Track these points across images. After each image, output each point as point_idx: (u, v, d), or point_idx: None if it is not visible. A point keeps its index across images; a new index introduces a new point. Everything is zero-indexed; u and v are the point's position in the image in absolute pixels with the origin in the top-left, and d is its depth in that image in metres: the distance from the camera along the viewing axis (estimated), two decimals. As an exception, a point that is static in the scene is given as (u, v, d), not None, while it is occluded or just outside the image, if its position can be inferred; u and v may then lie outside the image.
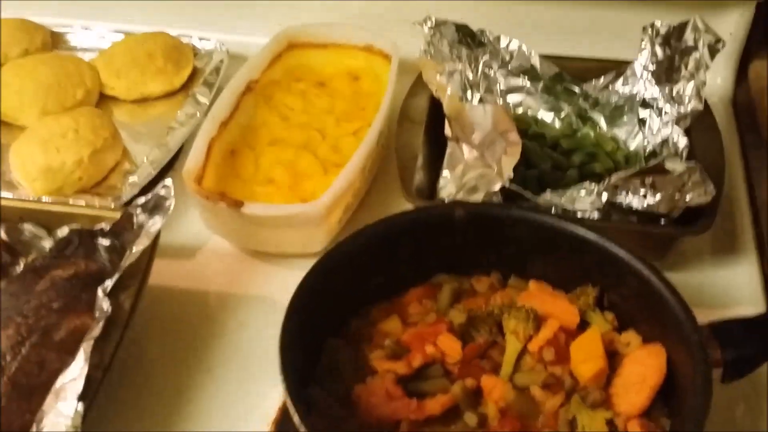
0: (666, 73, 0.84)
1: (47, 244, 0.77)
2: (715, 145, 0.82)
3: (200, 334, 0.78)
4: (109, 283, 0.68)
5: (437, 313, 0.68)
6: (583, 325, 0.66)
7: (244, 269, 0.85)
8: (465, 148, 0.80)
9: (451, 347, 0.63)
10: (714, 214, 0.75)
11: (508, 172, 0.74)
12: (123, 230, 0.75)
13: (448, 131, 0.83)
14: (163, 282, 0.82)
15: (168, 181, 0.73)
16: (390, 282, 0.69)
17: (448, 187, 0.80)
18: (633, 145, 0.89)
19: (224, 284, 0.83)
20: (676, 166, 0.69)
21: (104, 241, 0.75)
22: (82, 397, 0.61)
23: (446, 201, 0.76)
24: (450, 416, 0.61)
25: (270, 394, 0.72)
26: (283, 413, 0.70)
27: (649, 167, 0.70)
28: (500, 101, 0.92)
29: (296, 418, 0.54)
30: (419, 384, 0.63)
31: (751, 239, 0.84)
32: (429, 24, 0.90)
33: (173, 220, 0.88)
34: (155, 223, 0.72)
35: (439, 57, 0.89)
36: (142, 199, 0.74)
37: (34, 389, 0.65)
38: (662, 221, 0.76)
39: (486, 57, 0.92)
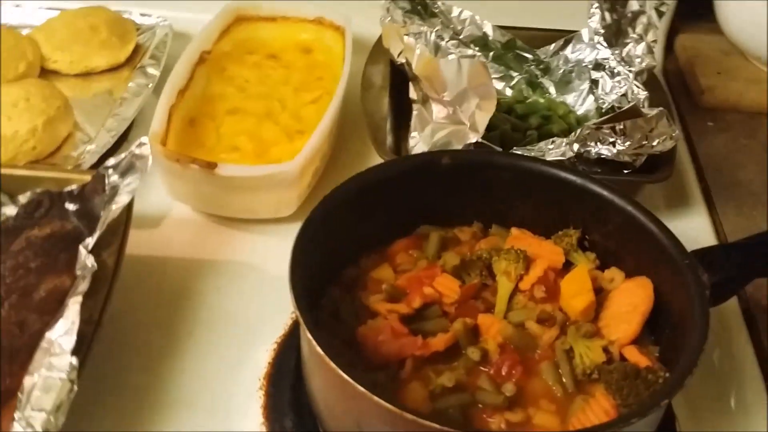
0: (615, 37, 0.89)
1: (9, 210, 0.74)
2: (663, 103, 0.86)
3: (177, 299, 0.76)
4: (90, 241, 0.66)
5: (428, 259, 0.69)
6: (567, 267, 0.68)
7: (213, 236, 0.83)
8: (434, 107, 0.82)
9: (449, 287, 0.64)
10: (672, 163, 0.80)
11: (483, 126, 0.76)
12: (93, 193, 0.72)
13: (412, 94, 0.85)
14: (132, 251, 0.79)
15: (144, 139, 0.71)
16: (378, 232, 0.70)
17: (419, 146, 0.81)
18: (582, 110, 0.93)
19: (195, 251, 0.82)
20: (647, 110, 0.73)
21: (71, 206, 0.73)
22: (75, 352, 0.59)
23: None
24: (450, 354, 0.62)
25: (256, 351, 0.71)
26: (274, 367, 0.69)
27: (624, 111, 0.73)
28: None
29: (317, 348, 0.53)
30: (420, 324, 0.63)
31: (699, 193, 0.89)
32: (385, -7, 0.91)
33: (134, 190, 0.86)
34: (132, 182, 0.70)
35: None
36: (113, 161, 0.72)
37: (17, 350, 0.62)
38: (624, 173, 0.79)
39: (438, 27, 0.95)
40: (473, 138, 0.77)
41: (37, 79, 0.90)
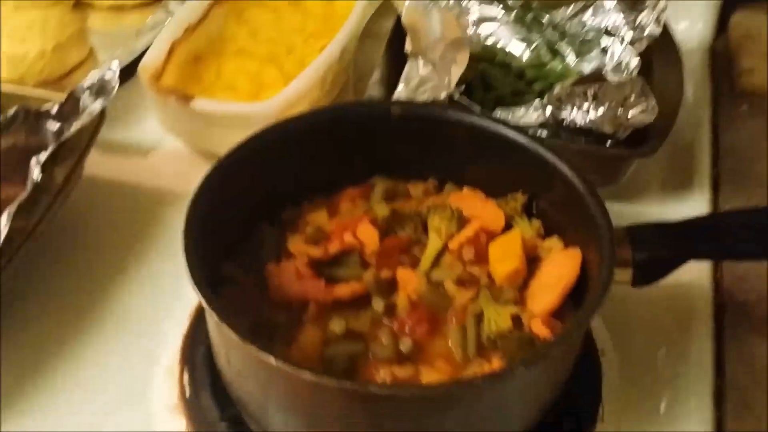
0: (632, 2, 0.83)
1: (-4, 124, 0.78)
2: (675, 75, 0.80)
3: (142, 230, 0.78)
4: (43, 155, 0.69)
5: (365, 210, 0.67)
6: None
7: (198, 171, 0.84)
8: (421, 62, 0.79)
9: (368, 236, 0.63)
10: (663, 138, 0.74)
11: (455, 80, 0.74)
12: (70, 114, 0.75)
13: (408, 47, 0.82)
14: (113, 177, 0.83)
15: (114, 64, 0.73)
16: (326, 179, 0.69)
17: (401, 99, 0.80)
18: (600, 80, 0.88)
19: (176, 184, 0.83)
20: (614, 77, 0.68)
21: (52, 125, 0.75)
22: (-2, 256, 0.62)
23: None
24: (361, 305, 0.61)
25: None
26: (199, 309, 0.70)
27: (588, 75, 0.69)
28: (472, 31, 0.92)
29: (196, 291, 0.53)
30: (334, 270, 0.62)
31: (707, 180, 0.83)
32: (405, -55, 0.89)
33: (131, 119, 0.89)
34: (98, 104, 0.72)
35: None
36: (87, 82, 0.75)
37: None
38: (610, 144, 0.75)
39: (460, -18, 0.91)
40: (443, 93, 0.74)
41: (61, 5, 0.94)
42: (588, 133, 0.74)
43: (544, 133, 0.76)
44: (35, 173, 0.67)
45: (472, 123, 0.67)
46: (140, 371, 0.65)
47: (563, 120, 0.73)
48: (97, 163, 0.82)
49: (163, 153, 0.87)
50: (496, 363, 0.57)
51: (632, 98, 0.69)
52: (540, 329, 0.57)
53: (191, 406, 0.62)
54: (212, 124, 0.81)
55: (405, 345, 0.58)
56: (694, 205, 0.80)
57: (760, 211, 0.59)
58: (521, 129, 0.65)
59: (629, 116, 0.70)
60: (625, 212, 0.78)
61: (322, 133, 0.67)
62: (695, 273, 0.70)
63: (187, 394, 0.63)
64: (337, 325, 0.58)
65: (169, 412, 0.62)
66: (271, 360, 0.48)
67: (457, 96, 0.75)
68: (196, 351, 0.65)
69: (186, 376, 0.64)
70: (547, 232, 0.65)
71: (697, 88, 0.91)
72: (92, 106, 0.73)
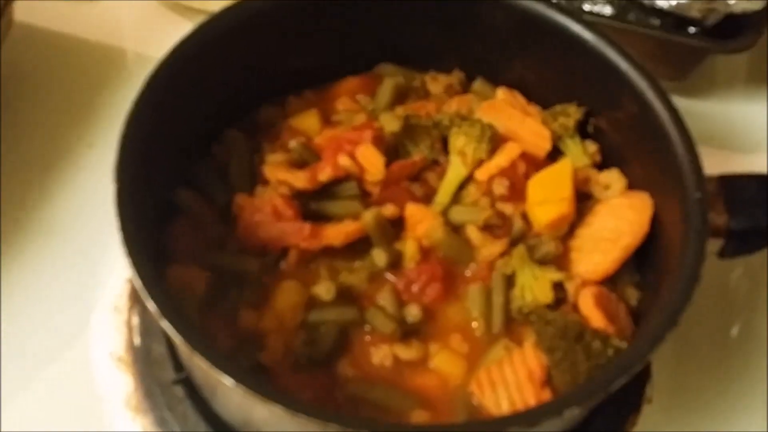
0: None
1: None
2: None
3: (88, 101, 0.63)
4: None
5: (370, 114, 0.52)
6: (555, 156, 0.50)
7: (164, 26, 0.68)
8: None
9: (371, 162, 0.47)
10: (760, 31, 0.57)
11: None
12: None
13: None
14: (55, 25, 0.66)
15: None
16: (317, 66, 0.53)
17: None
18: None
19: (135, 39, 0.67)
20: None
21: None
22: None
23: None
24: (357, 250, 0.47)
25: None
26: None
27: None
28: None
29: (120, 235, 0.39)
30: (325, 204, 0.48)
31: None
32: None
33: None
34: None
35: None
36: None
37: None
38: (690, 30, 0.57)
39: None
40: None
41: None
42: (664, 15, 0.56)
43: (607, 7, 0.58)
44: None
45: (515, 3, 0.49)
46: (79, 308, 0.52)
47: (636, -3, 0.55)
48: (33, 6, 0.65)
49: (121, -2, 0.69)
50: (528, 348, 0.44)
51: (737, -20, 0.51)
52: (591, 312, 0.43)
53: (139, 359, 0.49)
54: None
55: (412, 313, 0.45)
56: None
57: None
58: (582, 17, 0.48)
59: (731, 2, 0.52)
60: (692, 110, 0.63)
61: (313, 7, 0.50)
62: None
63: (136, 342, 0.50)
64: (324, 290, 0.44)
65: (113, 364, 0.50)
66: (229, 381, 0.35)
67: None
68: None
69: (136, 319, 0.51)
70: (604, 161, 0.50)
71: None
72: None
